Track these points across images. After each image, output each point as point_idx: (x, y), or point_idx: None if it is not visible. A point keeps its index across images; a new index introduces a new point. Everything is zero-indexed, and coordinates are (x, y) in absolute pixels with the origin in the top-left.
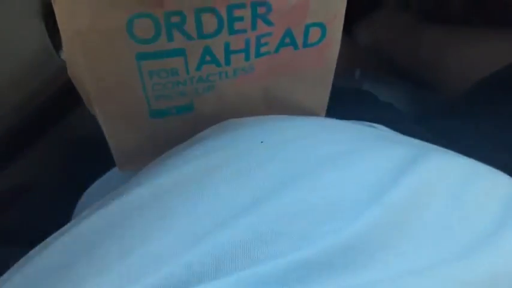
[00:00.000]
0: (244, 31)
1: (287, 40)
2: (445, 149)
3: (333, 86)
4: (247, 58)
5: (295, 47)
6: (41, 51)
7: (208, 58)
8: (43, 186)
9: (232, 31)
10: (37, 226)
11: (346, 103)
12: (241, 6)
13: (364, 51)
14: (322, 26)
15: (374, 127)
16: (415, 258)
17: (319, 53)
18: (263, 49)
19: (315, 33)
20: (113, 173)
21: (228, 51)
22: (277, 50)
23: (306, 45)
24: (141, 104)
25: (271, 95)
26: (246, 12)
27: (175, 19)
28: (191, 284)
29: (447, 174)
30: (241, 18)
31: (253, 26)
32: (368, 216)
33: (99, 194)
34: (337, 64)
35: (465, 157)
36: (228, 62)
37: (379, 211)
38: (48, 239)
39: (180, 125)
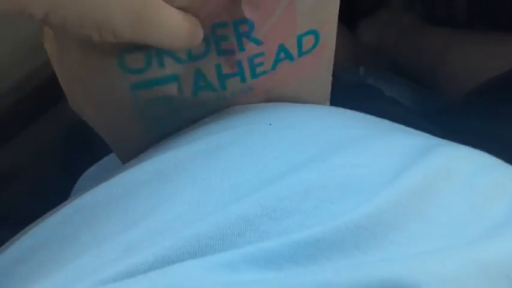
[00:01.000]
0: (232, 51)
1: (282, 55)
2: (456, 143)
3: (337, 80)
4: (243, 80)
5: (291, 59)
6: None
7: (202, 83)
8: (37, 170)
9: (220, 51)
10: (29, 209)
11: (350, 97)
12: (223, 24)
13: (368, 49)
14: (314, 33)
15: (366, 118)
16: (428, 241)
17: (315, 57)
18: (259, 69)
19: (308, 41)
20: (113, 156)
21: (221, 75)
22: (274, 67)
23: (301, 54)
24: (138, 128)
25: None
26: (229, 31)
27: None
28: (197, 256)
29: (461, 164)
30: (226, 38)
31: (240, 46)
32: (381, 198)
33: (97, 177)
34: (341, 61)
35: (477, 150)
36: (223, 86)
37: (392, 193)
38: (46, 214)
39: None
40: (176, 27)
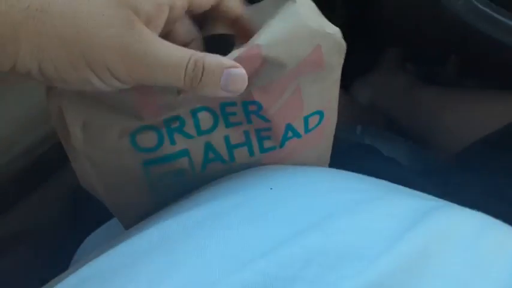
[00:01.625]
0: (239, 123)
1: (290, 134)
2: (455, 204)
3: (336, 139)
4: (251, 153)
5: (299, 136)
6: None
7: (211, 155)
8: (43, 232)
9: (228, 124)
10: (35, 273)
11: (349, 157)
12: (232, 104)
13: (364, 108)
14: (319, 113)
15: (368, 179)
16: None
17: (319, 131)
18: (267, 144)
19: (314, 120)
20: (115, 221)
21: (229, 146)
22: (282, 145)
23: (307, 131)
24: (148, 199)
25: None
26: (238, 109)
27: (175, 124)
28: None
29: (461, 226)
30: (234, 113)
31: (248, 120)
32: (382, 264)
33: (100, 240)
34: (338, 120)
35: (476, 211)
36: (232, 157)
37: (393, 259)
38: (50, 283)
39: None
40: (174, 64)
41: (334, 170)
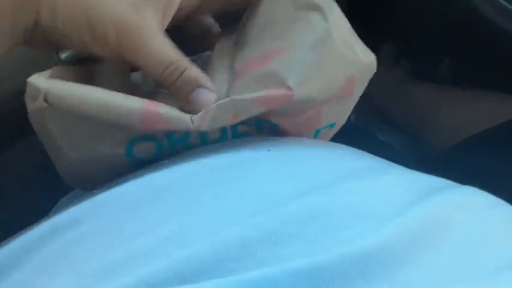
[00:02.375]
0: (248, 134)
1: None
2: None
3: None
4: None
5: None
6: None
7: None
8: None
9: (236, 135)
10: (12, 223)
11: (343, 139)
12: (245, 123)
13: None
14: (332, 125)
15: (370, 156)
16: (440, 275)
17: (324, 136)
18: None
19: (325, 131)
20: None
21: None
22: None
23: (315, 137)
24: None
25: None
26: (250, 123)
27: (178, 135)
28: (187, 281)
29: (474, 199)
30: (245, 123)
31: (258, 131)
32: (393, 227)
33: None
34: None
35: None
36: None
37: (405, 223)
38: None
39: None
40: (158, 60)
41: (333, 143)
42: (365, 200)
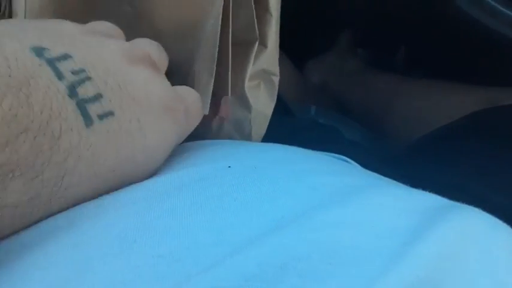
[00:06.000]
0: None
1: None
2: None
3: (295, 118)
4: None
5: None
6: None
7: None
8: None
9: None
10: None
11: (311, 138)
12: None
13: (316, 89)
14: None
15: (347, 161)
16: None
17: (217, 106)
18: None
19: None
20: None
21: None
22: None
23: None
24: None
25: None
26: None
27: None
28: None
29: (475, 226)
30: None
31: None
32: (394, 276)
33: None
34: (291, 97)
35: (479, 210)
36: None
37: (409, 267)
38: None
39: None
40: None
41: (290, 148)
42: (353, 234)
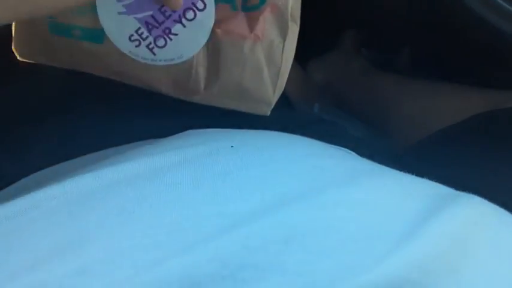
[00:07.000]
0: None
1: None
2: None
3: (299, 113)
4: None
5: (233, 6)
6: None
7: None
8: None
9: None
10: None
11: (314, 132)
12: None
13: (319, 87)
14: None
15: (351, 154)
16: None
17: (254, 21)
18: None
19: None
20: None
21: None
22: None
23: (244, 8)
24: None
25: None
26: None
27: None
28: None
29: (482, 213)
30: None
31: None
32: (403, 254)
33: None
34: (294, 95)
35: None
36: None
37: (419, 247)
38: None
39: (85, 58)
40: None
41: (295, 136)
42: (360, 213)
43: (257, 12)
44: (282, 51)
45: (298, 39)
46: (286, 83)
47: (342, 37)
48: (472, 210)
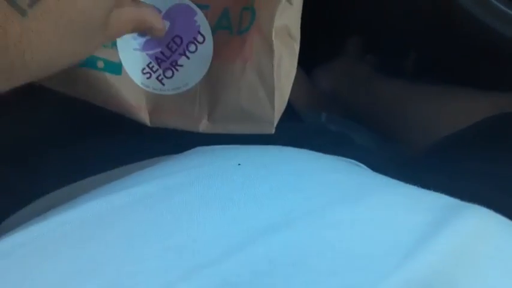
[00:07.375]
0: None
1: (224, 23)
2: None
3: (305, 124)
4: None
5: (230, 31)
6: None
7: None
8: None
9: None
10: None
11: (322, 144)
12: None
13: (325, 95)
14: (252, 9)
15: (358, 165)
16: None
17: (244, 43)
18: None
19: (246, 16)
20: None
21: None
22: (213, 31)
23: (239, 31)
24: None
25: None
26: None
27: None
28: None
29: (487, 225)
30: None
31: None
32: (408, 269)
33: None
34: (300, 104)
35: (490, 211)
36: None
37: (424, 261)
38: None
39: (103, 88)
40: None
41: (302, 150)
42: (366, 231)
43: (248, 33)
44: (272, 70)
45: (303, 47)
46: (292, 93)
47: (346, 44)
48: (479, 223)
